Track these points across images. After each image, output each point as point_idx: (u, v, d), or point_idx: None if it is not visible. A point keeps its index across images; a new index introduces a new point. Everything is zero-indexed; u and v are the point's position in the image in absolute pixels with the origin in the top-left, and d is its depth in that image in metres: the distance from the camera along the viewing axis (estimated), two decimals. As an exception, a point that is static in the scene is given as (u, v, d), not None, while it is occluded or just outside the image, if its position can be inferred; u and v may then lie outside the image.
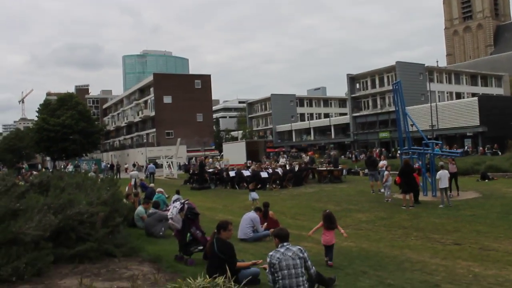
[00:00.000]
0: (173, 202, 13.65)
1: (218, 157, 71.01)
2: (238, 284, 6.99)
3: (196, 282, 6.67)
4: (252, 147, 56.26)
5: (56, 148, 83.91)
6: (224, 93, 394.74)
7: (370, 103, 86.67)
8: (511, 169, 33.01)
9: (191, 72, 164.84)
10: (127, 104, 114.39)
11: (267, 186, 31.78)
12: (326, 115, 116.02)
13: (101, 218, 10.17)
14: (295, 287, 7.30)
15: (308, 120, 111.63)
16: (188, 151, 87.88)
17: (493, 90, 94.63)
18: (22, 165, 69.18)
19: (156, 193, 21.20)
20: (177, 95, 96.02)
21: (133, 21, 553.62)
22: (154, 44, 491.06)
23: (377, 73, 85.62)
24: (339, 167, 36.67)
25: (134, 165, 75.37)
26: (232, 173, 35.02)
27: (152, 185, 28.43)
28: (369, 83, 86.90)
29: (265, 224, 14.56)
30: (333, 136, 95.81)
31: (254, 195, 22.53)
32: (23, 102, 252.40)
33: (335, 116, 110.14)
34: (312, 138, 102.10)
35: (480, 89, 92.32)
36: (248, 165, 41.15)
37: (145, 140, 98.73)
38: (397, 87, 23.91)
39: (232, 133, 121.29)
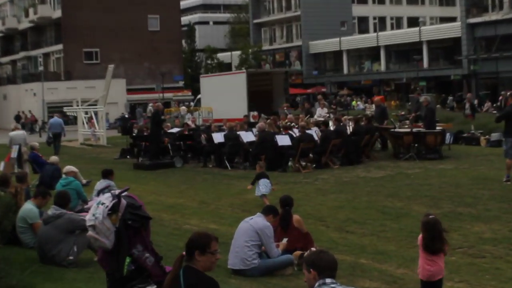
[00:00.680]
0: (98, 195, 10.39)
1: (191, 103, 46.86)
2: None
3: None
4: (260, 84, 32.76)
5: None
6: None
7: None
8: None
9: None
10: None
11: (290, 164, 18.59)
12: (413, 22, 64.77)
13: None
14: None
15: (375, 31, 65.50)
16: (130, 92, 56.04)
17: None
18: None
19: (63, 176, 12.87)
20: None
21: None
22: None
23: None
24: (437, 128, 20.56)
25: (17, 118, 49.13)
26: (217, 137, 20.07)
27: (54, 158, 16.72)
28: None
29: (285, 240, 9.08)
30: (426, 64, 54.94)
31: (264, 183, 12.89)
32: None
33: (431, 24, 64.73)
34: (382, 67, 59.83)
35: None
36: (252, 120, 26.15)
37: (41, 68, 58.64)
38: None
39: (221, 55, 72.27)
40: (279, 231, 9.26)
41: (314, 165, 18.71)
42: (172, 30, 60.81)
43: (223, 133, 20.45)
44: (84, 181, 15.18)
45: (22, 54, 65.54)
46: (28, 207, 9.50)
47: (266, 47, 69.78)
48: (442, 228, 6.61)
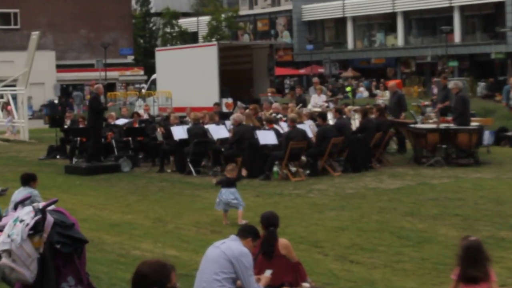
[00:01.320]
0: (15, 209, 8.45)
1: (143, 86, 38.29)
2: None
3: None
4: (237, 62, 28.05)
5: None
6: None
7: None
8: None
9: None
10: None
11: (275, 169, 16.21)
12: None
13: None
14: None
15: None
16: (61, 69, 46.59)
17: None
18: None
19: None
20: None
21: None
22: None
23: None
24: (472, 125, 17.94)
25: None
26: (178, 132, 17.44)
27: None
28: None
29: (268, 272, 8.11)
30: (458, 38, 46.83)
31: (229, 195, 11.05)
32: None
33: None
34: (399, 42, 50.52)
35: None
36: (225, 110, 22.74)
37: None
38: None
39: (184, 21, 61.05)
40: (260, 260, 8.21)
41: (308, 172, 16.23)
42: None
43: (186, 127, 17.25)
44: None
45: None
46: None
47: (244, 11, 57.65)
48: (486, 255, 5.87)
